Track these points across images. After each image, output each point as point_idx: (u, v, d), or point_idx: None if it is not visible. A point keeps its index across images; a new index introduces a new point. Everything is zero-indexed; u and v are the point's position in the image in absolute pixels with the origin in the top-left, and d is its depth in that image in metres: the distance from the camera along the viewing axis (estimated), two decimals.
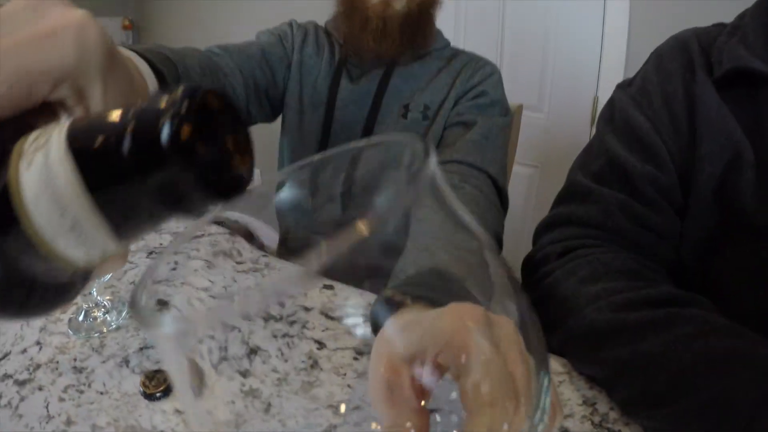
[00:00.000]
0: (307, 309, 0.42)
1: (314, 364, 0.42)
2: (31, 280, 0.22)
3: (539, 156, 1.61)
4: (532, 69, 1.56)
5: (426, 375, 0.31)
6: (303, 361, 0.41)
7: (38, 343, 0.48)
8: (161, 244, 0.79)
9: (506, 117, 0.76)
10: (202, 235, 0.76)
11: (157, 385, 0.34)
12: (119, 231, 0.20)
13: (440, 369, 0.31)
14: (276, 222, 0.98)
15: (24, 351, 0.47)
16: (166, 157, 0.18)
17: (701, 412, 0.34)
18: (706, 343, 0.36)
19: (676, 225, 0.52)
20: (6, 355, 0.47)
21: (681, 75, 0.52)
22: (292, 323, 0.42)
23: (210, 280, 0.62)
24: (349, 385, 0.43)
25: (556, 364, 0.46)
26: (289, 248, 0.88)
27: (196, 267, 0.63)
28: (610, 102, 0.59)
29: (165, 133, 0.17)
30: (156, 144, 0.18)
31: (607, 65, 1.42)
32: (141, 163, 0.18)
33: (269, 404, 0.43)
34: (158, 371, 0.35)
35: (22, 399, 0.43)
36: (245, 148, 0.23)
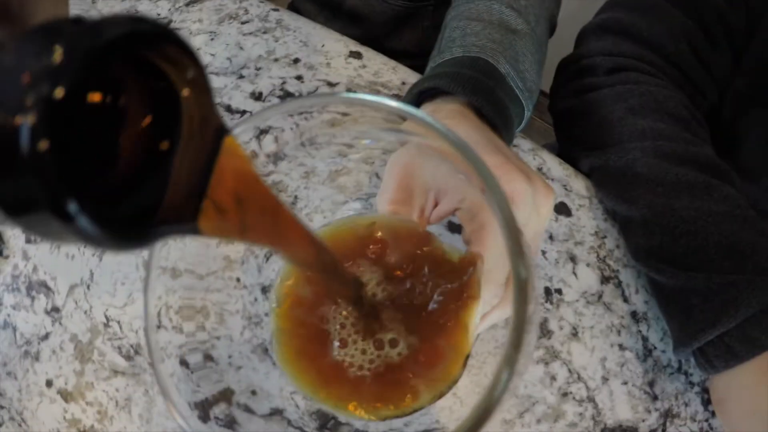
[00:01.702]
0: (330, 84, 0.35)
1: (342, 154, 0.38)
2: None
3: None
4: None
5: (433, 216, 0.31)
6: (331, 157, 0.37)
7: None
8: None
9: None
10: None
11: None
12: None
13: (445, 215, 0.30)
14: None
15: None
16: (22, 179, 0.11)
17: (710, 292, 0.36)
18: (733, 231, 0.37)
19: (729, 70, 0.50)
20: None
21: None
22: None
23: (211, 54, 0.54)
24: (377, 174, 0.41)
25: (579, 186, 0.45)
26: None
27: (199, 44, 0.54)
28: None
29: (23, 139, 0.11)
30: (8, 152, 0.11)
31: None
32: None
33: (296, 197, 0.40)
34: None
35: None
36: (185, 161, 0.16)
